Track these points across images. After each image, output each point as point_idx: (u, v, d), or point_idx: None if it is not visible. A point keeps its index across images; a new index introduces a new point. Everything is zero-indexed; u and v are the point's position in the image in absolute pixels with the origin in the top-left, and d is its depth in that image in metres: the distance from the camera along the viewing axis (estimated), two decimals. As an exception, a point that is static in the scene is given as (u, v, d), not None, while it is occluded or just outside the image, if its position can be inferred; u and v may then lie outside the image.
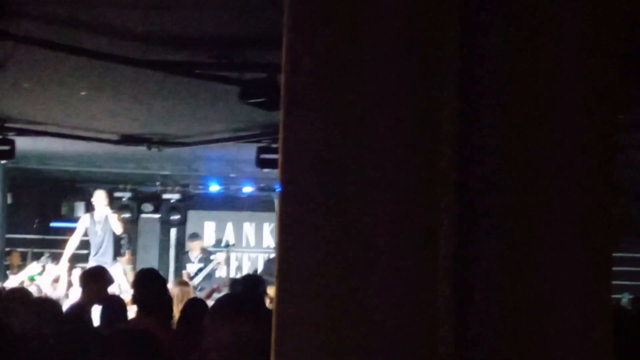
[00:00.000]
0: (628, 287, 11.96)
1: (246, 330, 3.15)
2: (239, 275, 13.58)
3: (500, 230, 1.70)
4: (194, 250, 13.82)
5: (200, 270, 12.85)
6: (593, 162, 1.75)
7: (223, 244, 15.87)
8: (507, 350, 1.67)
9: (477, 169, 1.71)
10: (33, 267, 10.64)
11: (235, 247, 15.95)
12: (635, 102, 5.44)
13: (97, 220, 11.60)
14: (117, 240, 12.00)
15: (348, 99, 1.73)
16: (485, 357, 1.65)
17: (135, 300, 5.36)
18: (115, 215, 11.61)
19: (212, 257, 13.65)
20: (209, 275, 13.08)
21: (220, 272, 14.13)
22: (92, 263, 11.26)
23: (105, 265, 11.04)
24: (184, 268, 13.61)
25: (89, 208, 13.68)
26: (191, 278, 12.72)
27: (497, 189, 1.72)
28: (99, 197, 11.74)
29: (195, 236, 14.51)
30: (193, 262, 13.54)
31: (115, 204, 15.36)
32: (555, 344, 1.70)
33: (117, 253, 12.06)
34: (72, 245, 11.33)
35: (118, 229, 11.57)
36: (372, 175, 1.71)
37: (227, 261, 14.46)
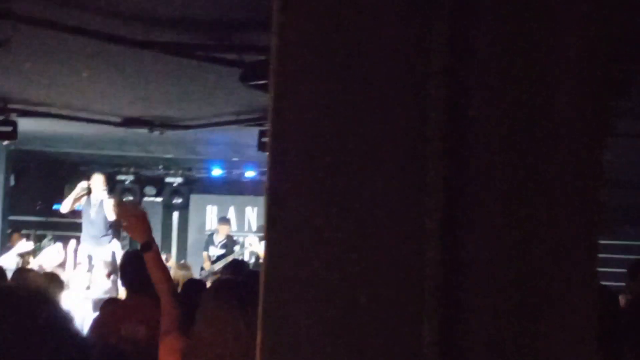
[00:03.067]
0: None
1: (233, 319, 3.17)
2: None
3: (493, 227, 1.69)
4: (220, 233, 13.78)
5: (222, 256, 12.82)
6: (586, 154, 1.75)
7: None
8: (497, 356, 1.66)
9: (469, 163, 1.70)
10: (23, 245, 10.62)
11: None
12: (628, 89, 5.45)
13: (93, 203, 11.69)
14: (114, 223, 12.01)
15: (338, 86, 1.73)
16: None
17: (123, 281, 5.39)
18: (111, 201, 11.61)
19: (235, 245, 13.61)
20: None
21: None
22: (85, 244, 11.36)
23: (101, 247, 11.22)
24: (206, 249, 13.60)
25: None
26: (213, 262, 12.71)
27: (489, 184, 1.71)
28: (97, 181, 11.78)
29: (225, 220, 14.47)
30: (216, 246, 13.52)
31: (117, 187, 15.41)
32: (549, 348, 1.69)
33: (117, 236, 12.09)
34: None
35: (111, 215, 11.57)
36: (362, 166, 1.71)
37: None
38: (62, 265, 9.98)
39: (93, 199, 11.70)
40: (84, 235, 11.67)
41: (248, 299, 3.22)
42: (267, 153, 1.76)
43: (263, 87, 7.01)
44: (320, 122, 1.68)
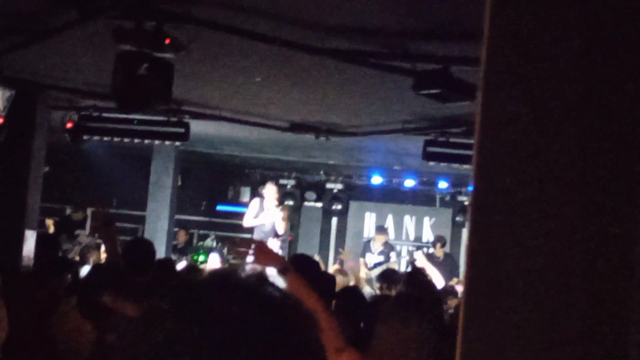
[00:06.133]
0: None
1: (412, 332, 3.15)
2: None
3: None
4: (376, 241, 13.94)
5: (380, 263, 13.02)
6: None
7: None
8: None
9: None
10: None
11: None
12: None
13: (264, 212, 11.95)
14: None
15: (548, 97, 1.68)
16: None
17: None
18: (282, 214, 11.78)
19: (391, 252, 13.77)
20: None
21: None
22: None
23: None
24: (363, 256, 13.77)
25: (254, 193, 13.98)
26: (370, 269, 12.86)
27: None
28: (270, 191, 12.01)
29: (383, 230, 14.75)
30: (373, 253, 13.69)
31: (279, 191, 15.67)
32: None
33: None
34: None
35: (280, 229, 11.75)
36: (572, 182, 1.65)
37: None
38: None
39: (266, 205, 11.93)
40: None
41: (428, 314, 3.21)
42: (473, 167, 1.73)
43: (436, 96, 6.97)
44: (530, 134, 1.64)
